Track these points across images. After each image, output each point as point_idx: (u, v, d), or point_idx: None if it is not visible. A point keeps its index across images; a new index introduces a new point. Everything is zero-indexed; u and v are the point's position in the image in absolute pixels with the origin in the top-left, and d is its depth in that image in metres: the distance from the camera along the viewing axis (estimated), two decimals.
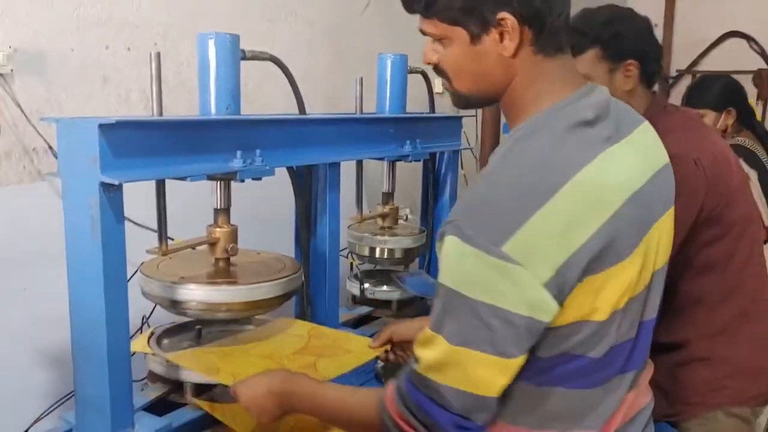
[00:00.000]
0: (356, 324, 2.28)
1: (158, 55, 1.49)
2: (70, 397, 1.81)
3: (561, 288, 1.07)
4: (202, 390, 1.63)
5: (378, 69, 2.23)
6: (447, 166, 2.54)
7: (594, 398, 1.20)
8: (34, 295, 2.01)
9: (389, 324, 1.77)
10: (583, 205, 1.08)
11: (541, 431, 1.21)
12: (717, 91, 3.28)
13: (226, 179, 1.66)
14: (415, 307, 2.39)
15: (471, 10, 1.16)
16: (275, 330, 1.87)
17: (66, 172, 1.40)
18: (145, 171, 1.44)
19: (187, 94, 2.51)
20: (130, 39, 2.37)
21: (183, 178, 1.50)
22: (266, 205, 2.46)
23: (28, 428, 1.80)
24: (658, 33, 5.53)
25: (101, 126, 1.32)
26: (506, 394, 1.19)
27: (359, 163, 2.21)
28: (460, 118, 2.50)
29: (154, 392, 1.66)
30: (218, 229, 1.71)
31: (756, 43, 5.27)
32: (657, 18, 5.58)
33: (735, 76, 3.49)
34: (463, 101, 1.30)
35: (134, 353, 1.55)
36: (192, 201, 1.83)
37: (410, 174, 2.74)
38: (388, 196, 2.37)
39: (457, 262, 1.08)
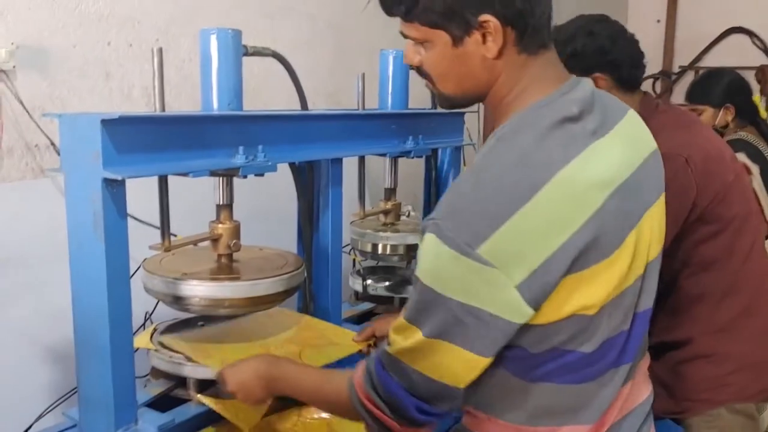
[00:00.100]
0: (359, 320, 2.28)
1: (160, 50, 1.49)
2: (73, 393, 1.81)
3: (538, 288, 1.07)
4: (206, 386, 1.63)
5: (380, 65, 2.23)
6: (449, 162, 2.53)
7: (587, 393, 1.20)
8: (37, 291, 2.01)
9: (373, 320, 1.82)
10: (564, 204, 1.08)
11: (534, 427, 1.21)
12: (720, 87, 3.28)
13: (228, 175, 1.65)
14: None
15: (452, 13, 1.15)
16: (267, 319, 1.89)
17: (68, 167, 1.40)
18: (148, 167, 1.44)
19: (189, 90, 2.51)
20: (132, 35, 2.37)
21: (185, 174, 1.50)
22: (268, 202, 2.46)
23: (31, 425, 1.80)
24: (661, 29, 5.54)
25: (104, 121, 1.32)
26: (497, 390, 1.21)
27: (361, 159, 2.20)
28: (462, 114, 2.49)
29: (157, 388, 1.66)
30: (221, 225, 1.71)
31: (759, 38, 5.26)
32: (659, 14, 5.58)
33: (738, 72, 3.49)
34: (447, 102, 1.29)
35: (137, 349, 1.55)
36: (194, 197, 1.82)
37: (412, 170, 2.74)
38: (390, 192, 2.36)
39: (434, 260, 1.09)
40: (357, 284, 2.40)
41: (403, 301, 2.37)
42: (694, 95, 3.36)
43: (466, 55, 1.18)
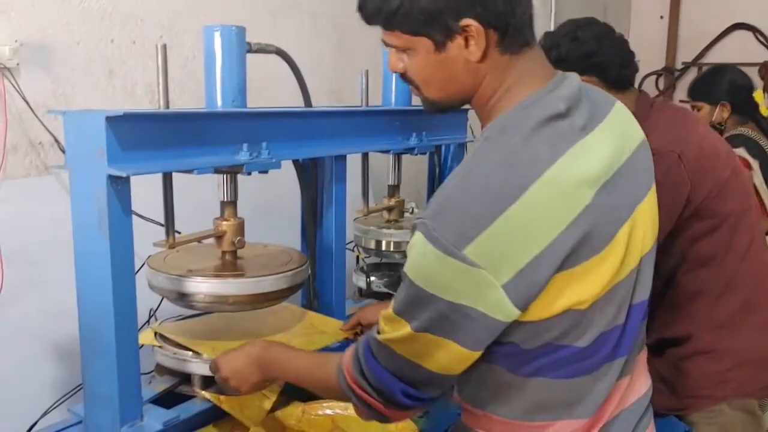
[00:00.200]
0: None
1: (164, 47, 1.49)
2: (79, 389, 1.82)
3: (525, 288, 1.07)
4: (210, 382, 1.64)
5: (383, 62, 2.22)
6: (453, 159, 2.54)
7: (582, 387, 1.20)
8: (41, 289, 2.01)
9: (358, 309, 1.87)
10: (552, 203, 1.08)
11: (529, 422, 1.22)
12: (717, 85, 3.32)
13: (232, 172, 1.66)
14: None
15: (433, 20, 1.14)
16: (266, 313, 1.90)
17: (73, 164, 1.40)
18: (153, 164, 1.44)
19: (193, 87, 2.51)
20: (136, 32, 2.37)
21: (190, 171, 1.50)
22: (272, 199, 2.46)
23: (37, 421, 1.81)
24: (664, 25, 5.53)
25: (108, 118, 1.32)
26: (491, 386, 1.22)
27: (365, 156, 2.20)
28: (465, 110, 2.49)
29: (161, 385, 1.67)
30: (225, 222, 1.71)
31: (762, 35, 5.25)
32: (662, 10, 5.57)
33: (741, 69, 3.49)
34: (434, 107, 1.29)
35: (142, 346, 1.56)
36: (197, 195, 1.83)
37: (416, 167, 2.74)
38: (394, 189, 2.37)
39: (421, 259, 1.09)
40: (360, 281, 2.41)
41: None
42: (695, 92, 3.39)
43: (450, 60, 1.18)
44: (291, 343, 1.70)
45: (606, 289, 1.15)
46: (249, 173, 1.62)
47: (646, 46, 5.25)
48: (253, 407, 1.61)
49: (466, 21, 1.13)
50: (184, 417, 1.56)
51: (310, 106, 1.91)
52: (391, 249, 2.38)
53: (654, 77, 5.58)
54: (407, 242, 2.36)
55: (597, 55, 1.89)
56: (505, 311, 1.08)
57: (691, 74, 5.33)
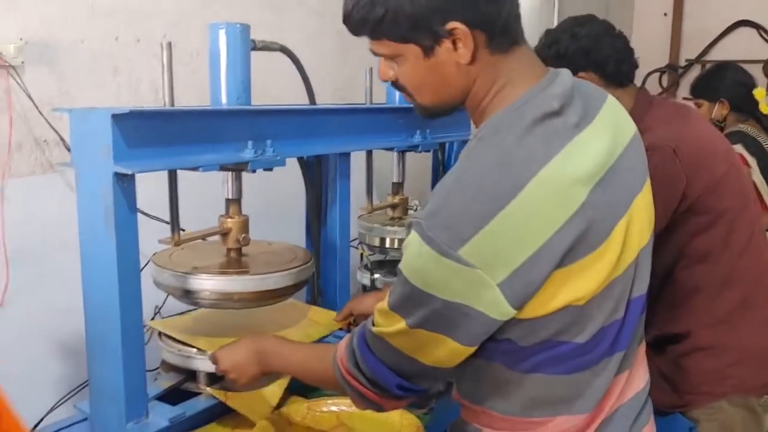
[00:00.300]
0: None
1: (170, 44, 1.49)
2: (85, 386, 1.82)
3: (521, 287, 1.08)
4: (215, 379, 1.64)
5: None
6: (456, 156, 2.53)
7: (580, 382, 1.20)
8: (47, 286, 2.01)
9: (350, 300, 1.91)
10: (547, 203, 1.08)
11: (528, 418, 1.22)
12: (717, 82, 3.35)
13: (237, 170, 1.66)
14: None
15: (419, 26, 1.14)
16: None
17: (79, 162, 1.41)
18: (158, 161, 1.45)
19: (197, 85, 2.51)
20: (140, 30, 2.37)
21: (195, 169, 1.51)
22: (277, 197, 2.46)
23: (43, 418, 1.81)
24: (668, 22, 5.52)
25: (114, 116, 1.33)
26: (489, 382, 1.22)
27: (369, 154, 2.21)
28: None
29: (167, 381, 1.67)
30: (230, 220, 1.71)
31: (766, 32, 5.24)
32: (666, 7, 5.56)
33: (745, 66, 3.50)
34: (428, 113, 1.29)
35: (147, 342, 1.56)
36: (202, 193, 1.83)
37: (420, 164, 2.74)
38: (398, 187, 2.37)
39: (417, 258, 1.10)
40: (365, 278, 2.40)
41: None
42: (696, 90, 3.43)
43: (440, 64, 1.18)
44: (286, 336, 1.72)
45: (604, 284, 1.15)
46: (254, 171, 1.62)
47: (649, 43, 5.25)
48: (260, 404, 1.61)
49: (453, 24, 1.13)
50: (190, 414, 1.56)
51: (315, 103, 1.92)
52: (395, 246, 2.38)
53: (657, 74, 5.57)
54: None
55: (595, 51, 1.91)
56: (501, 310, 1.09)
57: (695, 71, 5.32)
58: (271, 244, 1.93)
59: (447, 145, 2.52)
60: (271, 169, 1.66)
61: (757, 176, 3.06)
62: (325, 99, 2.64)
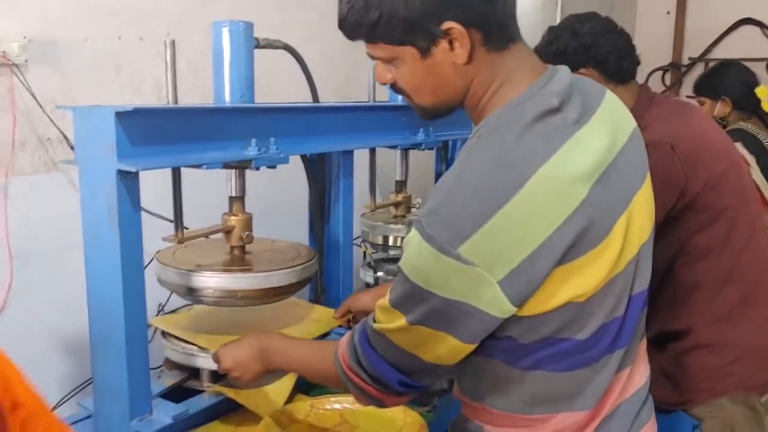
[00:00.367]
0: None
1: (173, 42, 1.49)
2: (88, 384, 1.83)
3: (521, 284, 1.08)
4: (219, 377, 1.64)
5: None
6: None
7: (581, 379, 1.20)
8: (50, 284, 2.02)
9: (348, 297, 1.91)
10: (547, 200, 1.08)
11: (528, 415, 1.22)
12: (719, 80, 3.36)
13: (240, 167, 1.66)
14: None
15: (414, 27, 1.14)
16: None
17: (83, 160, 1.41)
18: (162, 159, 1.45)
19: (200, 83, 2.51)
20: (143, 29, 2.37)
21: (199, 166, 1.51)
22: (280, 195, 2.46)
23: None
24: (671, 21, 5.51)
25: (118, 114, 1.33)
26: (490, 380, 1.22)
27: (372, 152, 2.21)
28: None
29: (170, 379, 1.68)
30: (233, 217, 1.72)
31: None
32: (669, 6, 5.55)
33: (748, 64, 3.51)
34: (428, 114, 1.28)
35: (151, 340, 1.56)
36: (205, 192, 1.83)
37: (423, 162, 2.74)
38: (401, 185, 2.37)
39: (417, 256, 1.10)
40: (368, 276, 2.40)
41: None
42: (699, 88, 3.44)
43: (437, 65, 1.17)
44: (287, 333, 1.73)
45: (604, 281, 1.15)
46: (257, 168, 1.62)
47: (652, 41, 5.24)
48: (267, 399, 1.62)
49: (448, 24, 1.12)
50: (193, 411, 1.57)
51: (318, 101, 1.92)
52: (398, 244, 2.38)
53: (660, 73, 5.56)
54: None
55: (595, 47, 1.92)
56: (501, 307, 1.09)
57: (698, 70, 5.31)
58: (275, 242, 1.93)
59: (450, 143, 2.52)
60: (274, 167, 1.66)
61: (756, 174, 3.06)
62: (327, 97, 2.64)
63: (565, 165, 1.10)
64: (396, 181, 2.37)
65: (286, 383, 1.70)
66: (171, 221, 1.63)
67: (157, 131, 1.43)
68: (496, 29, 1.16)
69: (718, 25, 5.35)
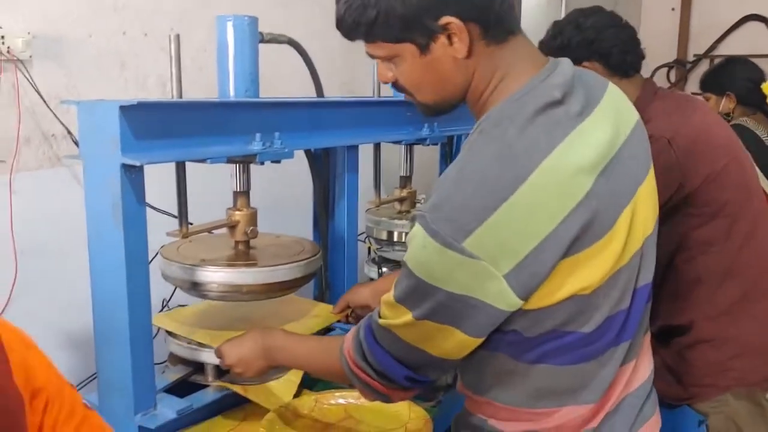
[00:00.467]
0: None
1: (177, 37, 1.49)
2: (93, 379, 1.83)
3: (527, 277, 1.07)
4: (223, 372, 1.64)
5: None
6: None
7: (587, 373, 1.20)
8: (54, 279, 2.02)
9: (347, 292, 1.91)
10: (551, 193, 1.07)
11: (533, 409, 1.22)
12: (724, 76, 3.36)
13: (245, 162, 1.66)
14: None
15: (411, 24, 1.13)
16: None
17: (87, 154, 1.41)
18: (166, 153, 1.45)
19: (204, 80, 2.51)
20: (148, 25, 2.38)
21: (203, 160, 1.50)
22: (284, 191, 2.46)
23: None
24: (676, 17, 5.49)
25: (122, 108, 1.33)
26: (494, 373, 1.22)
27: (377, 147, 2.20)
28: None
29: (175, 374, 1.67)
30: (238, 212, 1.71)
31: None
32: (674, 2, 5.52)
33: (754, 60, 3.50)
34: (431, 111, 1.28)
35: (156, 335, 1.56)
36: (209, 187, 1.83)
37: (428, 157, 2.73)
38: (405, 180, 2.36)
39: (421, 251, 1.09)
40: (372, 272, 2.40)
41: None
42: (705, 84, 3.45)
43: (437, 61, 1.17)
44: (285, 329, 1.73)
45: (609, 274, 1.15)
46: (262, 163, 1.62)
47: (657, 38, 5.22)
48: (274, 394, 1.62)
49: (446, 19, 1.12)
50: (197, 406, 1.57)
51: (323, 96, 1.91)
52: (403, 240, 2.37)
53: (665, 69, 5.54)
54: None
55: (598, 41, 1.91)
56: (508, 301, 1.08)
57: (703, 66, 5.28)
58: (279, 237, 1.93)
59: (455, 139, 2.52)
60: (279, 162, 1.66)
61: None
62: (332, 93, 2.64)
63: (568, 157, 1.09)
64: (400, 177, 2.36)
65: (293, 379, 1.70)
66: (175, 217, 1.63)
67: (162, 125, 1.43)
68: (495, 22, 1.15)
69: (723, 21, 5.32)
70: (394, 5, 1.12)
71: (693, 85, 4.85)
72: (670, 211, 1.78)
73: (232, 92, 1.62)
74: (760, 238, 1.86)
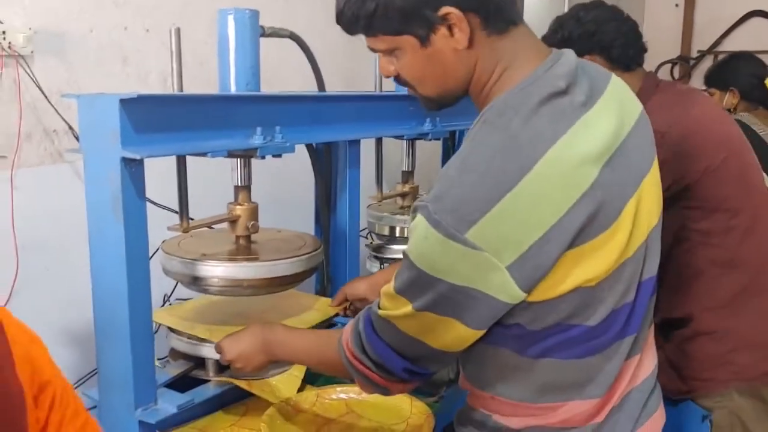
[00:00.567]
0: None
1: (178, 30, 1.49)
2: (94, 374, 1.82)
3: (530, 269, 1.07)
4: (224, 367, 1.64)
5: None
6: None
7: (592, 367, 1.19)
8: (56, 275, 2.02)
9: (345, 284, 1.92)
10: (555, 183, 1.07)
11: (537, 404, 1.21)
12: (728, 72, 3.36)
13: (246, 156, 1.65)
14: None
15: (410, 15, 1.13)
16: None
17: (87, 148, 1.40)
18: (166, 146, 1.44)
19: (205, 75, 2.50)
20: (149, 20, 2.37)
21: (203, 154, 1.50)
22: (286, 187, 2.46)
23: None
24: (679, 13, 5.47)
25: (122, 101, 1.32)
26: (498, 368, 1.21)
27: (379, 142, 2.20)
28: None
29: (176, 369, 1.67)
30: (239, 207, 1.71)
31: None
32: None
33: (758, 56, 3.48)
34: (434, 104, 1.27)
35: (157, 330, 1.56)
36: (210, 182, 1.83)
37: (430, 153, 2.72)
38: (407, 175, 2.36)
39: (423, 242, 1.09)
40: (374, 267, 2.40)
41: None
42: (709, 80, 3.45)
43: (438, 53, 1.16)
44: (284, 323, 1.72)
45: (614, 266, 1.14)
46: (263, 157, 1.61)
47: (661, 34, 5.21)
48: (278, 388, 1.62)
49: (445, 9, 1.12)
50: (198, 401, 1.56)
51: (324, 90, 1.91)
52: (405, 235, 2.37)
53: (669, 66, 5.53)
54: None
55: (599, 34, 1.92)
56: (510, 293, 1.08)
57: (707, 62, 5.26)
58: (280, 232, 1.92)
59: (457, 133, 2.51)
60: (280, 156, 1.65)
61: None
62: (333, 88, 2.63)
63: (573, 147, 1.08)
64: (403, 172, 2.36)
65: (296, 374, 1.69)
66: (176, 212, 1.63)
67: (162, 119, 1.42)
68: (495, 12, 1.15)
69: (727, 17, 5.30)
70: None
71: (697, 81, 4.83)
72: (667, 202, 1.78)
73: (232, 86, 1.62)
74: (761, 233, 1.86)
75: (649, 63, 2.03)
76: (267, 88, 1.73)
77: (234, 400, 1.65)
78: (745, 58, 3.47)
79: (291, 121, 1.68)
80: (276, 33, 1.72)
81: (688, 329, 1.86)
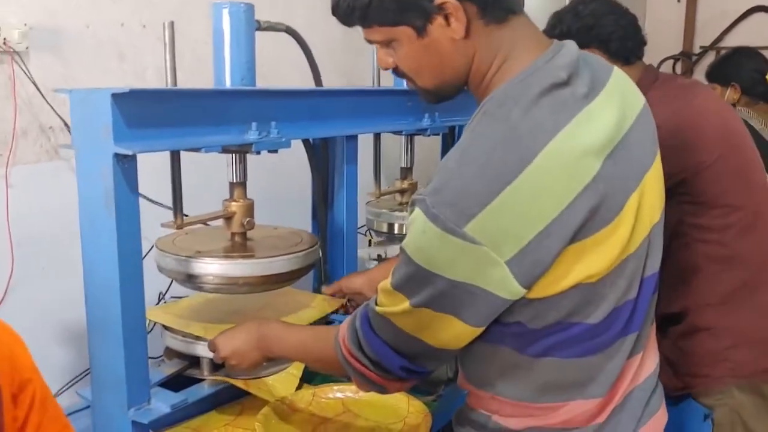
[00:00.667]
0: None
1: (172, 24, 1.47)
2: (87, 374, 1.81)
3: (530, 264, 1.05)
4: (218, 366, 1.62)
5: None
6: None
7: (594, 366, 1.17)
8: (51, 273, 2.01)
9: (342, 277, 1.92)
10: (556, 176, 1.04)
11: (538, 404, 1.19)
12: (730, 67, 3.37)
13: (241, 152, 1.63)
14: None
15: (407, 5, 1.12)
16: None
17: (79, 143, 1.39)
18: (159, 142, 1.42)
19: (204, 72, 2.47)
20: (146, 16, 2.36)
21: (197, 150, 1.48)
22: (282, 184, 2.44)
23: None
24: (681, 9, 5.45)
25: (114, 96, 1.31)
26: (498, 367, 1.19)
27: (377, 137, 2.18)
28: None
29: (170, 368, 1.65)
30: (234, 203, 1.69)
31: None
32: None
33: (760, 52, 3.48)
34: (433, 97, 1.26)
35: (151, 329, 1.54)
36: (204, 178, 1.81)
37: (429, 148, 2.70)
38: (406, 171, 2.33)
39: (421, 237, 1.07)
40: (372, 264, 2.38)
41: None
42: (711, 75, 3.45)
43: (435, 43, 1.15)
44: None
45: (616, 262, 1.12)
46: (258, 152, 1.59)
47: (663, 30, 5.19)
48: (276, 387, 1.61)
49: None
50: (192, 400, 1.55)
51: (321, 85, 1.89)
52: (404, 232, 2.34)
53: (671, 62, 5.50)
54: None
55: (598, 27, 1.91)
56: (510, 288, 1.06)
57: (709, 58, 5.24)
58: (276, 229, 1.91)
59: (456, 129, 2.48)
60: (276, 151, 1.63)
61: None
62: (330, 83, 2.62)
63: (575, 139, 1.06)
64: (401, 168, 2.34)
65: (294, 373, 1.68)
66: (170, 209, 1.61)
67: (155, 114, 1.41)
68: (493, 1, 1.13)
69: (729, 12, 5.28)
70: None
71: (699, 77, 4.79)
72: (667, 198, 1.77)
73: (227, 80, 1.60)
74: (762, 229, 1.84)
75: (652, 59, 2.02)
76: (264, 84, 1.71)
77: (229, 399, 1.64)
78: (747, 53, 3.47)
79: (287, 116, 1.66)
80: (272, 27, 1.71)
81: (684, 325, 1.85)
